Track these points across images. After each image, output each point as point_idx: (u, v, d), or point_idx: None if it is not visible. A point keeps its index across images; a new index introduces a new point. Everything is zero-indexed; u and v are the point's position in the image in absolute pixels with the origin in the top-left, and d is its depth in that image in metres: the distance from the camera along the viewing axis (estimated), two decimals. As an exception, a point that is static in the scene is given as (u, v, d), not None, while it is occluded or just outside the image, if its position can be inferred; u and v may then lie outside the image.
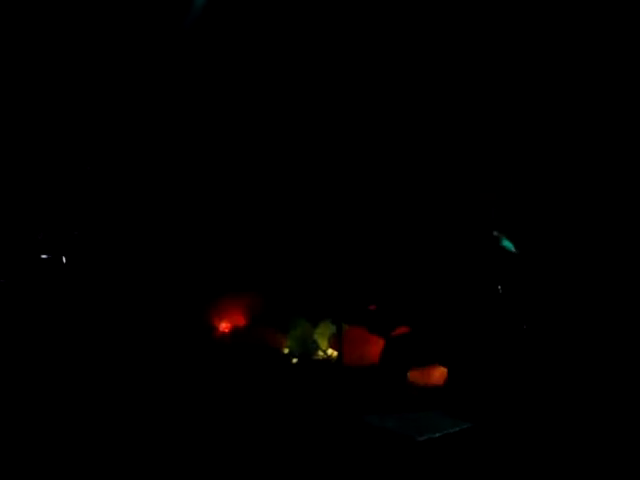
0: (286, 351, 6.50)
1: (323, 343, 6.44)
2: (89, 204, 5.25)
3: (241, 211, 7.50)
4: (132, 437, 4.21)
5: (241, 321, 7.17)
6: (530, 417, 3.29)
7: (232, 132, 7.51)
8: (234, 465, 3.83)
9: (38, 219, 5.85)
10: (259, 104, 7.36)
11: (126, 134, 7.34)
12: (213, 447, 4.09)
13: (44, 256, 5.53)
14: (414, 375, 4.79)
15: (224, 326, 7.15)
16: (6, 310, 5.70)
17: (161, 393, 5.13)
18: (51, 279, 5.43)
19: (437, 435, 3.68)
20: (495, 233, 4.37)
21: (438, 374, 4.91)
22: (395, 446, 3.67)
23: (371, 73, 6.95)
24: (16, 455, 3.86)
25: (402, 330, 5.17)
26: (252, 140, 7.46)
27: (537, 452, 3.23)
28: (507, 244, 4.27)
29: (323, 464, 3.79)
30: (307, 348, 6.45)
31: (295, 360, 6.35)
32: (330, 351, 6.34)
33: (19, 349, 5.47)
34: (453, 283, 4.47)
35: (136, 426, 4.41)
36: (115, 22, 7.02)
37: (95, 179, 5.26)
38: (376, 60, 6.89)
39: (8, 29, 6.83)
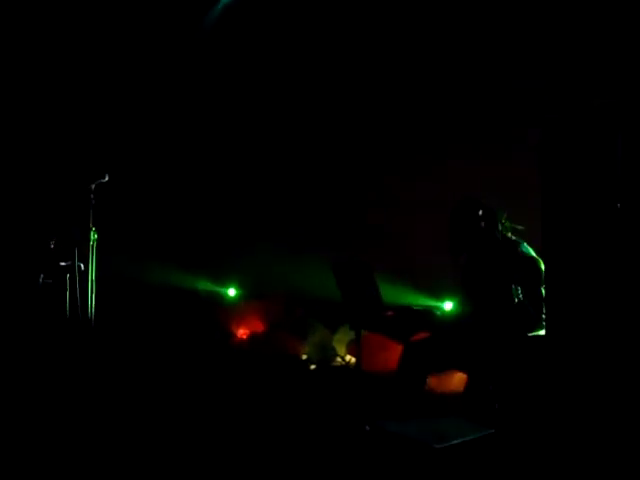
0: (304, 357, 6.48)
1: (341, 349, 6.42)
2: (102, 210, 5.25)
3: (257, 215, 7.49)
4: (146, 442, 4.20)
5: (259, 327, 7.16)
6: (551, 424, 3.24)
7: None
8: (250, 470, 3.81)
9: (51, 226, 5.87)
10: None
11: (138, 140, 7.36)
12: (229, 452, 4.07)
13: (63, 263, 5.54)
14: (433, 381, 4.74)
15: (242, 332, 7.15)
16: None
17: (179, 398, 5.13)
18: (70, 285, 5.44)
19: (455, 442, 3.63)
20: (513, 237, 4.32)
21: (457, 380, 4.86)
22: (412, 453, 3.63)
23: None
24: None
25: (421, 336, 5.12)
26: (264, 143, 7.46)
27: (557, 461, 3.18)
28: (525, 249, 4.22)
29: (340, 470, 3.76)
30: (325, 354, 6.43)
31: (313, 366, 6.32)
32: (348, 357, 6.31)
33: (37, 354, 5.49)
34: (473, 287, 4.42)
35: (151, 431, 4.40)
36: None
37: (108, 186, 5.26)
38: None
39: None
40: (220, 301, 7.77)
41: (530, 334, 4.05)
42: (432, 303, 6.20)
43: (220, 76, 7.50)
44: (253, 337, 7.04)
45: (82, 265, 5.31)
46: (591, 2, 5.63)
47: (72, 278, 5.36)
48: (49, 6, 6.97)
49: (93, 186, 5.19)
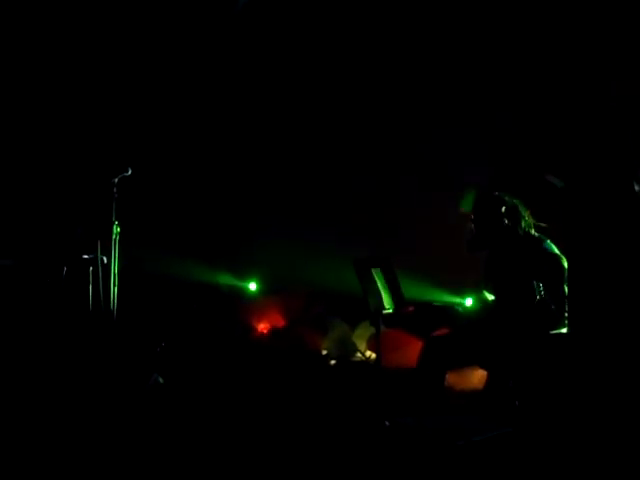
0: (324, 353, 6.48)
1: (361, 345, 6.41)
2: (125, 203, 5.27)
3: (279, 211, 7.50)
4: (164, 434, 4.23)
5: (280, 322, 7.17)
6: (571, 423, 3.22)
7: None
8: (269, 464, 3.82)
9: (77, 214, 5.92)
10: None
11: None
12: (248, 446, 4.08)
13: (85, 256, 5.58)
14: (453, 378, 4.72)
15: (263, 327, 7.16)
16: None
17: (198, 392, 5.15)
18: (93, 278, 5.48)
19: (476, 439, 3.62)
20: (536, 234, 4.30)
21: (477, 377, 4.84)
22: (432, 450, 3.62)
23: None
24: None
25: (442, 332, 5.11)
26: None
27: (578, 460, 3.16)
28: (548, 246, 4.20)
29: (359, 466, 3.76)
30: (345, 350, 6.43)
31: (333, 362, 6.32)
32: (368, 353, 6.30)
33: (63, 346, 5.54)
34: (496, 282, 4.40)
35: (169, 423, 4.43)
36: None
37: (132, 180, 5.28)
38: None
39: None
40: (241, 295, 7.79)
41: (552, 332, 4.03)
42: (453, 299, 6.18)
43: (238, 70, 7.52)
44: (273, 332, 7.05)
45: (105, 258, 5.34)
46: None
47: (95, 271, 5.40)
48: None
49: (116, 180, 5.21)
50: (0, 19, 6.65)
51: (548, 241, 4.20)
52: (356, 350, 6.42)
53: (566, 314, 3.87)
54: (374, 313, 4.46)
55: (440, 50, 6.54)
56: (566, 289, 3.82)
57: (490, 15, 6.16)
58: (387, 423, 4.19)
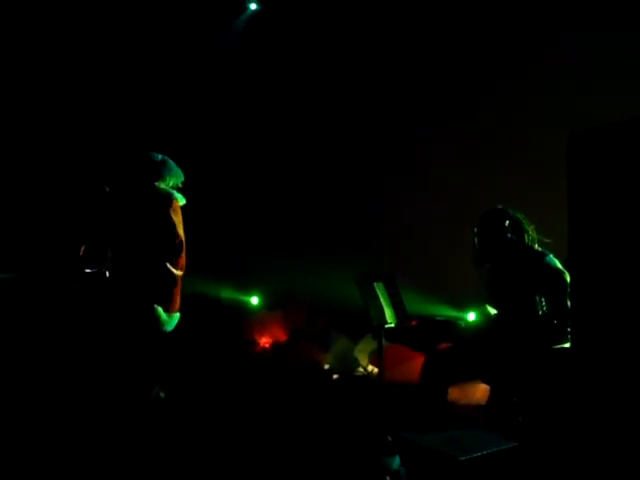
0: (327, 367, 6.46)
1: (364, 360, 6.39)
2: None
3: (282, 225, 7.50)
4: (171, 448, 4.22)
5: (282, 336, 7.16)
6: (574, 438, 3.20)
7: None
8: (271, 478, 3.81)
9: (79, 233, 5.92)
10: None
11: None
12: (252, 460, 4.07)
13: (88, 270, 5.57)
14: (455, 392, 4.70)
15: (265, 341, 7.15)
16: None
17: (200, 406, 5.14)
18: (96, 292, 5.47)
19: (478, 455, 3.60)
20: (539, 249, 4.29)
21: (480, 392, 4.83)
22: (435, 465, 3.60)
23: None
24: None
25: (444, 346, 5.09)
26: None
27: (582, 475, 3.14)
28: (551, 261, 4.18)
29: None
30: (348, 365, 6.41)
31: (335, 376, 6.30)
32: (370, 368, 6.28)
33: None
34: (495, 297, 4.39)
35: (174, 438, 4.42)
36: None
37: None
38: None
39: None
40: (243, 310, 7.79)
41: (555, 346, 4.02)
42: (455, 314, 6.17)
43: (233, 89, 7.58)
44: (275, 346, 7.04)
45: (108, 272, 5.33)
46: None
47: (98, 285, 5.39)
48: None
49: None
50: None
51: (551, 255, 4.19)
52: (358, 365, 6.40)
53: (569, 329, 3.86)
54: (376, 327, 4.45)
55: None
56: (569, 303, 3.81)
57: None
58: (389, 438, 4.17)
